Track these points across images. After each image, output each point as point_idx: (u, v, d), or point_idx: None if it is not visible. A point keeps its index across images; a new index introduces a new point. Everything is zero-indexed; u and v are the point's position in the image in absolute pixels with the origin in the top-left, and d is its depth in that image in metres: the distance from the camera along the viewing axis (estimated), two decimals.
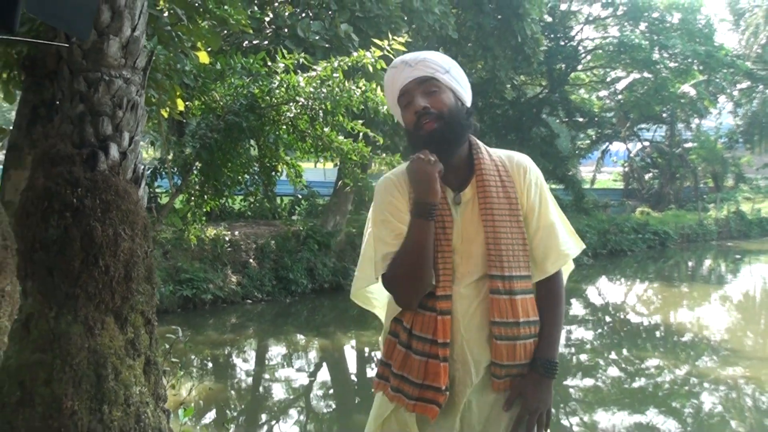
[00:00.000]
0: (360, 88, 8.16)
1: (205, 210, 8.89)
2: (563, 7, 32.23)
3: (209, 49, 6.74)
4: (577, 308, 16.16)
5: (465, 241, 2.61)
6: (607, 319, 16.02)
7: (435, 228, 2.58)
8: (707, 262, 25.88)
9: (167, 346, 5.62)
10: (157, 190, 14.13)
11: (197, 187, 8.53)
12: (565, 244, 2.70)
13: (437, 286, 2.56)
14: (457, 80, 2.68)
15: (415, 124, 2.60)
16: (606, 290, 19.88)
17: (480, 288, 2.59)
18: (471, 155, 2.68)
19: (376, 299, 2.91)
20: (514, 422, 2.57)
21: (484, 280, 2.58)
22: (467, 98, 2.71)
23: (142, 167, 4.18)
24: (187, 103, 7.67)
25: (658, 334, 14.19)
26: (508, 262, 2.57)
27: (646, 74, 31.50)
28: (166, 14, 6.03)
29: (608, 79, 37.13)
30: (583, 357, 12.23)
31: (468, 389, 2.60)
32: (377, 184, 2.76)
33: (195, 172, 8.28)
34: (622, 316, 16.32)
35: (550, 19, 30.23)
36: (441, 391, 2.55)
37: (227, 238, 15.38)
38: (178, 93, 6.54)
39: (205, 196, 8.62)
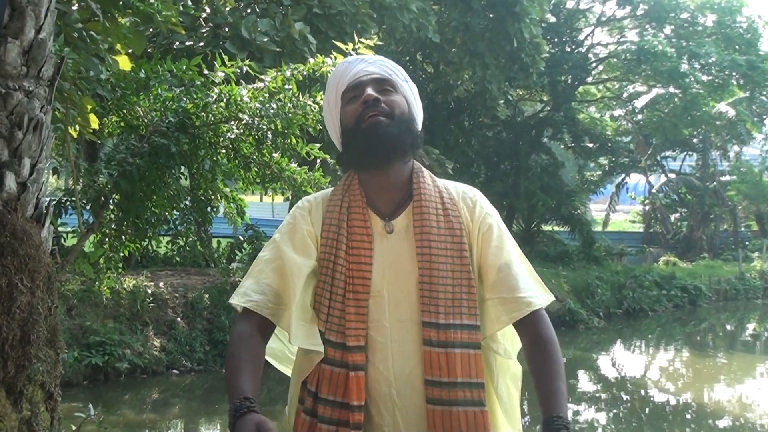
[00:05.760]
0: (318, 103, 8.18)
1: (122, 255, 8.83)
2: (570, 4, 32.58)
3: (131, 52, 6.73)
4: (585, 383, 16.18)
5: (394, 281, 2.66)
6: (624, 396, 16.05)
7: (348, 263, 2.65)
8: (750, 326, 26.05)
9: (73, 428, 5.56)
10: (62, 229, 14.02)
11: (113, 226, 8.47)
12: (527, 290, 2.65)
13: (347, 336, 2.59)
14: (413, 95, 2.80)
15: (358, 116, 2.68)
16: (622, 360, 19.95)
17: (416, 340, 2.60)
18: (410, 180, 2.75)
19: (288, 351, 2.95)
20: None
21: (420, 329, 2.60)
22: (419, 119, 2.80)
23: (47, 201, 4.15)
24: (101, 119, 7.64)
25: (688, 416, 14.25)
26: (445, 307, 2.58)
27: (672, 89, 31.84)
28: (76, 8, 6.02)
29: (625, 95, 37.57)
30: None
31: None
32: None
33: (111, 206, 8.23)
34: (642, 393, 16.38)
35: (553, 20, 30.58)
36: None
37: (149, 291, 15.29)
38: (90, 107, 6.52)
39: (124, 237, 8.55)
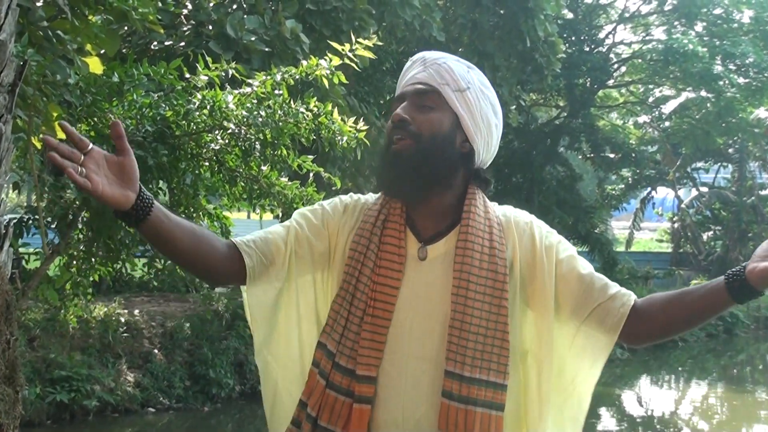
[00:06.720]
0: (311, 110, 8.14)
1: (92, 279, 8.78)
2: None
3: (102, 53, 6.69)
4: (608, 421, 16.13)
5: (421, 314, 2.59)
6: None
7: (372, 283, 2.59)
8: None
9: None
10: (23, 251, 14.00)
11: (82, 247, 8.44)
12: (616, 285, 2.76)
13: (358, 363, 2.54)
14: (470, 107, 2.67)
15: (388, 137, 2.64)
16: (649, 395, 19.93)
17: (433, 383, 2.54)
18: (459, 205, 2.67)
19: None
20: None
21: (440, 373, 2.53)
22: (479, 137, 2.70)
23: (6, 220, 4.10)
24: None
25: None
26: (473, 358, 2.52)
27: (704, 93, 31.76)
28: (41, 4, 5.99)
29: (651, 100, 37.46)
30: None
31: None
32: None
33: (79, 225, 8.18)
34: None
35: (571, 16, 30.59)
36: None
37: (123, 320, 15.21)
38: (56, 115, 6.48)
39: (93, 260, 8.51)
